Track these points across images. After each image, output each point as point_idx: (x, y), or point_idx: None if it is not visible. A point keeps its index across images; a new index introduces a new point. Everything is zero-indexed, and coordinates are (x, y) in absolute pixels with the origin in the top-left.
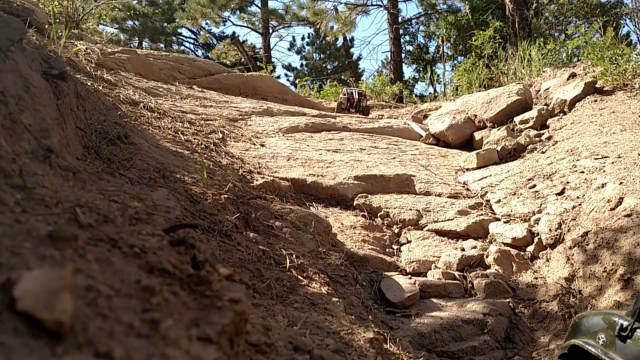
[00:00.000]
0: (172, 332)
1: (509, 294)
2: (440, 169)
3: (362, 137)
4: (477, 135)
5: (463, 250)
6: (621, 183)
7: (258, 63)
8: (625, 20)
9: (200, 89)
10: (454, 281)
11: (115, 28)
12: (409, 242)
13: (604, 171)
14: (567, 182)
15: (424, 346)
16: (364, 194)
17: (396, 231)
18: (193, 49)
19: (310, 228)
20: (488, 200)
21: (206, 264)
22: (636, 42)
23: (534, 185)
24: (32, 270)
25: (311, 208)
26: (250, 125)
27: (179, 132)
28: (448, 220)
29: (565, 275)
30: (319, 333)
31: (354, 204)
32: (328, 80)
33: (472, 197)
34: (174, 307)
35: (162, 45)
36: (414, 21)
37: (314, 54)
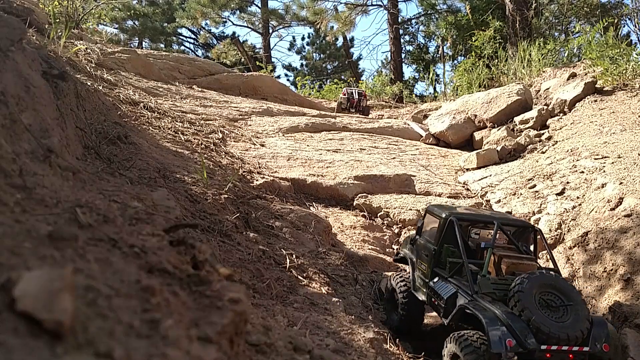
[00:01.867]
0: (172, 332)
1: None
2: (440, 169)
3: (362, 137)
4: (477, 135)
5: None
6: (621, 183)
7: (258, 63)
8: (625, 20)
9: (200, 89)
10: None
11: (115, 28)
12: None
13: (604, 171)
14: (567, 182)
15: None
16: (364, 194)
17: (396, 231)
18: (193, 49)
19: (310, 228)
20: (488, 200)
21: (206, 264)
22: (636, 42)
23: (534, 185)
24: (32, 270)
25: (311, 208)
26: (250, 125)
27: (179, 132)
28: None
29: (565, 275)
30: (319, 333)
31: (354, 204)
32: (328, 80)
33: (472, 197)
34: (174, 307)
35: (162, 45)
36: (414, 21)
37: (314, 54)
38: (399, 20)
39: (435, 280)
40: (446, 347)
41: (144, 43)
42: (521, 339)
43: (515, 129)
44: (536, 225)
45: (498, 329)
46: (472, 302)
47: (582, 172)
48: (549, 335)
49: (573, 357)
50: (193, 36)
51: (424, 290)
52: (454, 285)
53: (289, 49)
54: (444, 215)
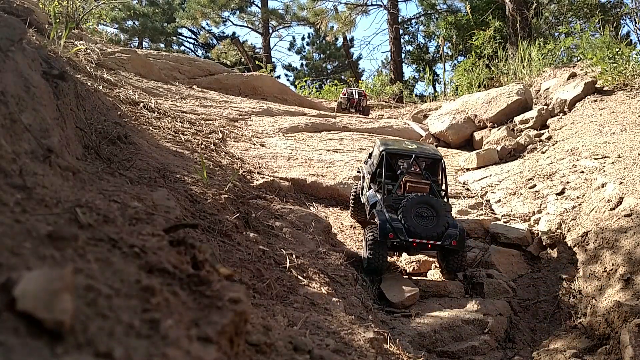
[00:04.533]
0: (172, 332)
1: (509, 294)
2: None
3: (362, 137)
4: (477, 135)
5: None
6: (621, 183)
7: (258, 63)
8: (625, 20)
9: (200, 89)
10: (454, 281)
11: (115, 28)
12: None
13: (604, 171)
14: (567, 182)
15: (424, 346)
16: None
17: None
18: (193, 49)
19: (310, 228)
20: (488, 200)
21: (206, 264)
22: (636, 42)
23: (534, 185)
24: (32, 270)
25: (311, 208)
26: (250, 125)
27: (179, 132)
28: None
29: (565, 275)
30: (319, 333)
31: None
32: (328, 80)
33: (472, 197)
34: (174, 307)
35: (162, 45)
36: (414, 21)
37: (314, 54)
38: (399, 20)
39: (370, 192)
40: (364, 234)
41: (144, 43)
42: (397, 235)
43: (515, 128)
44: (536, 224)
45: (385, 228)
46: (379, 210)
47: (582, 172)
48: (415, 233)
49: (431, 247)
50: (193, 36)
51: (365, 197)
52: (376, 197)
53: (289, 49)
54: (380, 150)
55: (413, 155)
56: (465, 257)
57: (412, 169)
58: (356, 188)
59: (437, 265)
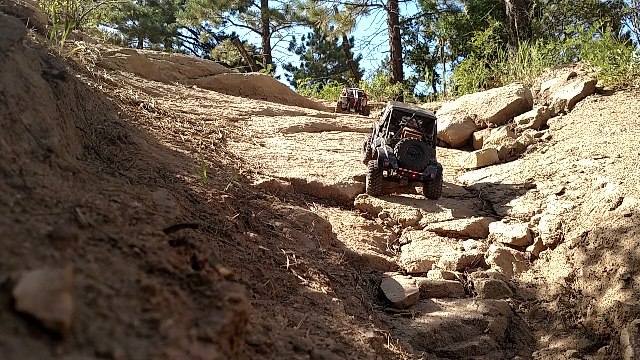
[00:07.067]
0: (172, 332)
1: (509, 294)
2: None
3: (362, 137)
4: (477, 135)
5: (463, 250)
6: (621, 183)
7: (258, 63)
8: (625, 20)
9: (200, 89)
10: (454, 281)
11: (115, 28)
12: (409, 242)
13: (604, 171)
14: (567, 182)
15: (424, 346)
16: (364, 194)
17: (396, 231)
18: (193, 49)
19: (310, 228)
20: (488, 200)
21: (206, 264)
22: (636, 42)
23: (534, 185)
24: (32, 270)
25: (311, 208)
26: (250, 125)
27: (179, 132)
28: (448, 220)
29: (565, 275)
30: (319, 333)
31: (354, 203)
32: (328, 80)
33: (472, 197)
34: (174, 307)
35: (162, 45)
36: (413, 21)
37: (314, 54)
38: (399, 20)
39: (377, 138)
40: (366, 167)
41: (144, 43)
42: (391, 164)
43: (515, 128)
44: (536, 224)
45: (383, 158)
46: (380, 147)
47: (582, 172)
48: (404, 164)
49: (415, 176)
50: (193, 36)
51: (374, 143)
52: (381, 140)
53: (289, 49)
54: (389, 107)
55: (413, 114)
56: (440, 188)
57: (412, 123)
58: (366, 139)
59: (436, 266)
